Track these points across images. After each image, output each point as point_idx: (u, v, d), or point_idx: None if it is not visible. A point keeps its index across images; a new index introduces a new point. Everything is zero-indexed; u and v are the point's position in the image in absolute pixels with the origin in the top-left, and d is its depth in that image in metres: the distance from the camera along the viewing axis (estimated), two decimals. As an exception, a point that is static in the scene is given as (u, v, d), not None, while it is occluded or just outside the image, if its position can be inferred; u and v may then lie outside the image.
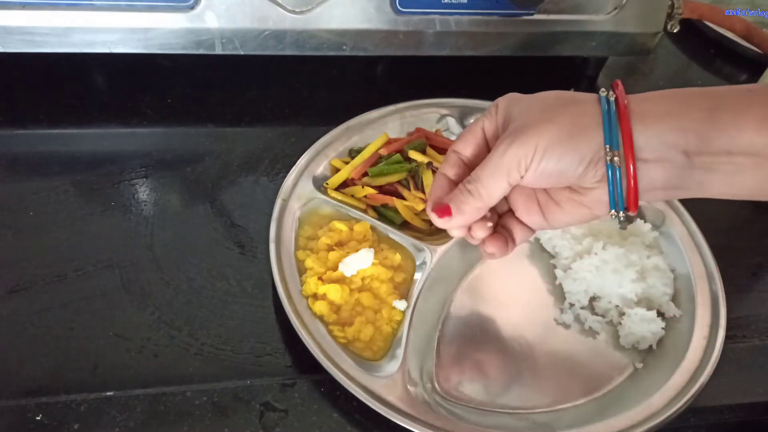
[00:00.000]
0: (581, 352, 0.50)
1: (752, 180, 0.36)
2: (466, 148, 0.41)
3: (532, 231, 0.42)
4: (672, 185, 0.36)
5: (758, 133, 0.33)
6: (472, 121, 0.64)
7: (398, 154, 0.57)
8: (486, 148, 0.40)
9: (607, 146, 0.34)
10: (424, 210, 0.54)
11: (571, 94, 0.38)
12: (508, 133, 0.37)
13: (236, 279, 0.51)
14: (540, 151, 0.35)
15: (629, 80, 0.76)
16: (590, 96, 0.37)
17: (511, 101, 0.39)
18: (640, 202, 0.37)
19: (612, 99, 0.35)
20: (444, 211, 0.38)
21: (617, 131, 0.34)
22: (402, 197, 0.55)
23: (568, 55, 0.68)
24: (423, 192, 0.54)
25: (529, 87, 0.66)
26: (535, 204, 0.40)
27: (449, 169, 0.41)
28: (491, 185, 0.37)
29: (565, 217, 0.40)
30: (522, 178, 0.36)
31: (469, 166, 0.40)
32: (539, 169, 0.36)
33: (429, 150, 0.58)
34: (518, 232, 0.42)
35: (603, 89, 0.36)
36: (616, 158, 0.34)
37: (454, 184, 0.40)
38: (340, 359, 0.44)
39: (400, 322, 0.48)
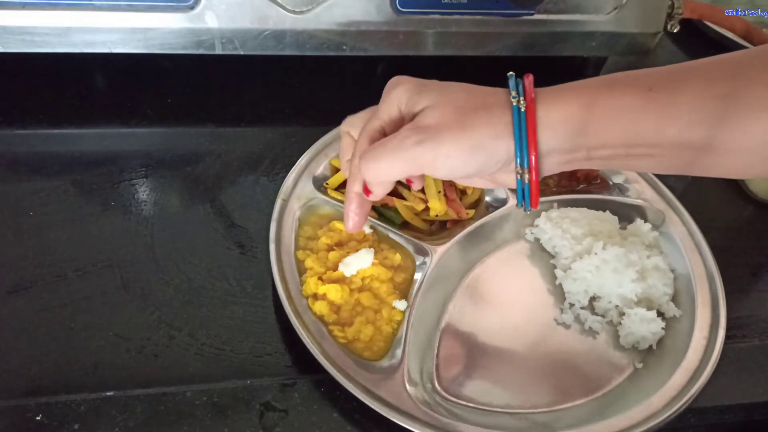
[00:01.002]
0: (581, 352, 0.50)
1: (653, 168, 0.38)
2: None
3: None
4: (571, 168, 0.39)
5: (655, 126, 0.34)
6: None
7: None
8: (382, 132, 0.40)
9: (518, 165, 0.36)
10: (424, 210, 0.54)
11: (481, 94, 0.37)
12: (417, 126, 0.36)
13: (236, 279, 0.51)
14: (456, 157, 0.36)
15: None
16: (500, 99, 0.37)
17: (413, 91, 0.38)
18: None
19: (523, 110, 0.35)
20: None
21: (526, 150, 0.36)
22: (402, 197, 0.55)
23: (568, 55, 0.68)
24: (423, 192, 0.54)
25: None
26: None
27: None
28: (388, 169, 0.38)
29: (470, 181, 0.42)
30: (429, 173, 0.37)
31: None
32: (453, 172, 0.37)
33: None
34: None
35: (514, 94, 0.36)
36: (526, 175, 0.37)
37: None
38: (340, 359, 0.44)
39: (400, 322, 0.48)
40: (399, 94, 0.39)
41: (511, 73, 0.38)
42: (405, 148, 0.36)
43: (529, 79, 0.37)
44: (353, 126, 0.43)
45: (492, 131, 0.36)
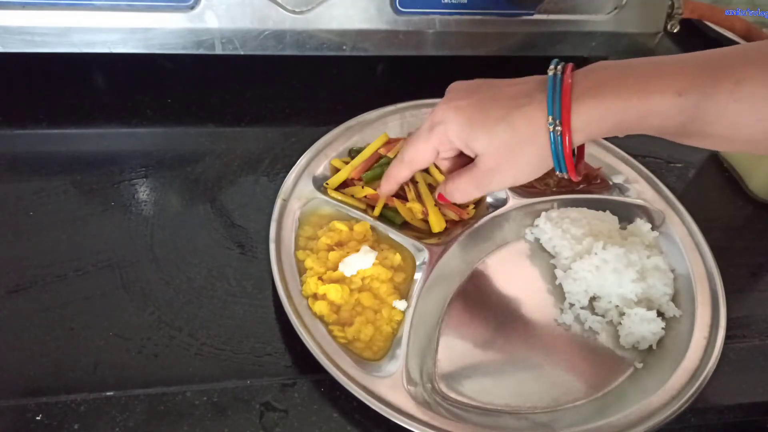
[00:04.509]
0: (581, 352, 0.50)
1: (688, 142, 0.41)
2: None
3: None
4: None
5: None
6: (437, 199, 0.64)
7: (388, 156, 0.57)
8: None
9: (558, 173, 0.43)
10: (425, 213, 0.54)
11: (524, 125, 0.42)
12: (483, 170, 0.44)
13: (236, 279, 0.51)
14: (518, 182, 0.46)
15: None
16: (540, 125, 0.41)
17: (468, 135, 0.44)
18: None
19: (559, 135, 0.41)
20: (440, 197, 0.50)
21: (565, 168, 0.42)
22: (402, 197, 0.55)
23: (568, 55, 0.68)
24: (418, 199, 0.54)
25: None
26: None
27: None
28: (470, 197, 0.49)
29: None
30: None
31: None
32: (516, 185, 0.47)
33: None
34: None
35: (550, 120, 0.41)
36: (564, 174, 0.44)
37: None
38: (340, 359, 0.44)
39: (400, 322, 0.48)
40: (452, 135, 0.45)
41: (553, 68, 0.42)
42: (481, 186, 0.46)
43: (566, 84, 0.41)
44: (414, 163, 0.49)
45: (540, 157, 0.43)
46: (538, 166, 0.44)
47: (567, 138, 0.41)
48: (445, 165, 0.49)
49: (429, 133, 0.46)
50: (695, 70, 0.38)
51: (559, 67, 0.42)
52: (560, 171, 0.43)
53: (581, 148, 0.46)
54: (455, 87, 0.47)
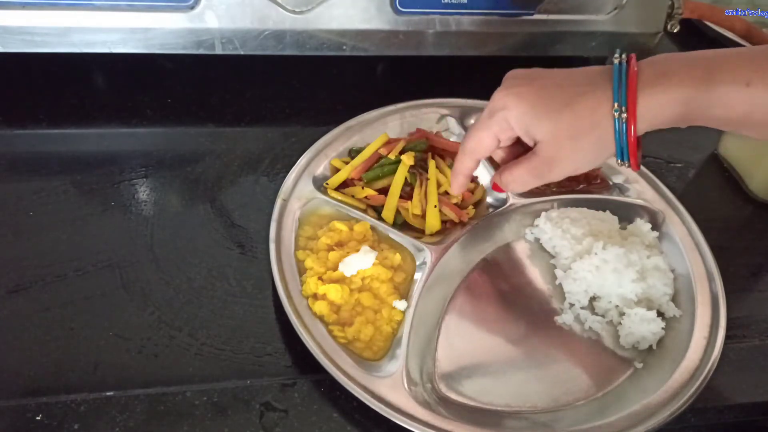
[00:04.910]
0: (581, 352, 0.50)
1: (754, 134, 0.42)
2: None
3: None
4: None
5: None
6: (472, 121, 0.64)
7: (388, 156, 0.57)
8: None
9: (619, 160, 0.43)
10: (423, 211, 0.54)
11: (588, 113, 0.42)
12: (543, 158, 0.44)
13: (236, 279, 0.51)
14: (576, 171, 0.45)
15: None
16: (605, 112, 0.41)
17: (529, 122, 0.43)
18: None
19: (624, 122, 0.41)
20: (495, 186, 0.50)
21: (627, 158, 0.42)
22: (403, 197, 0.55)
23: (568, 55, 0.68)
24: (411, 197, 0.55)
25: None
26: None
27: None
28: (527, 186, 0.47)
29: None
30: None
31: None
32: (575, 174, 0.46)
33: (431, 161, 0.58)
34: None
35: (616, 107, 0.41)
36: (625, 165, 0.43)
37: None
38: (340, 359, 0.44)
39: (400, 322, 0.48)
40: (513, 121, 0.44)
41: (617, 56, 0.42)
42: (540, 175, 0.45)
43: (632, 72, 0.41)
44: (476, 153, 0.48)
45: (603, 145, 0.42)
46: (599, 154, 0.43)
47: (632, 125, 0.41)
48: (499, 155, 0.49)
49: (489, 121, 0.45)
50: (764, 61, 0.39)
51: (623, 56, 0.42)
52: (622, 159, 0.42)
53: (640, 138, 0.45)
54: (513, 74, 0.46)
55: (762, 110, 0.39)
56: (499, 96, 0.45)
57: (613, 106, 0.41)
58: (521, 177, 0.46)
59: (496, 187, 0.49)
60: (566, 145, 0.43)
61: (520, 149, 0.47)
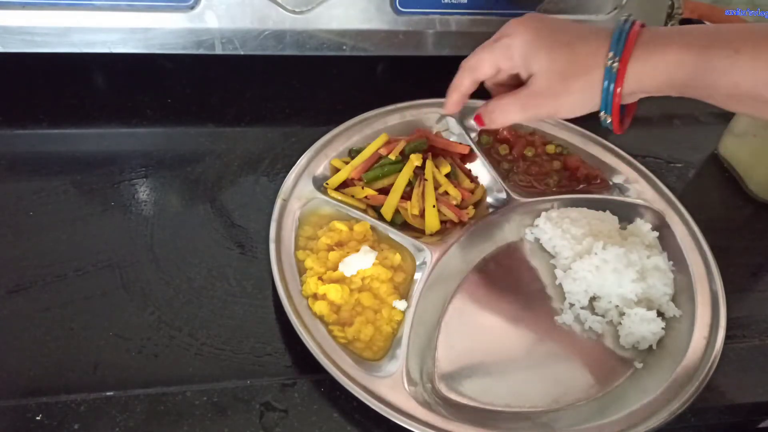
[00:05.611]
0: (581, 352, 0.50)
1: (742, 109, 0.45)
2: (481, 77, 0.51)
3: None
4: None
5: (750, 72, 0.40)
6: (473, 121, 0.64)
7: (389, 156, 0.57)
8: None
9: (602, 112, 0.46)
10: (421, 211, 0.54)
11: (584, 56, 0.45)
12: (532, 93, 0.46)
13: (236, 279, 0.51)
14: (561, 114, 0.47)
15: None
16: (598, 62, 0.44)
17: (529, 51, 0.46)
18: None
19: (614, 72, 0.43)
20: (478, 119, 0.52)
21: (610, 110, 0.45)
22: (403, 197, 0.55)
23: (568, 55, 0.68)
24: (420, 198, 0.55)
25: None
26: None
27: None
28: (512, 120, 0.50)
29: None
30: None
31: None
32: (558, 117, 0.53)
33: (429, 162, 0.58)
34: None
35: (611, 55, 0.43)
36: (608, 119, 0.46)
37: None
38: (340, 359, 0.44)
39: (400, 322, 0.48)
40: (515, 49, 0.47)
41: (625, 18, 0.45)
42: (525, 108, 0.47)
43: (634, 30, 0.43)
44: (475, 71, 0.50)
45: (590, 92, 0.45)
46: (584, 102, 0.45)
47: (622, 77, 0.43)
48: (493, 90, 0.51)
49: (494, 44, 0.48)
50: (757, 35, 0.40)
51: (630, 17, 0.44)
52: (605, 112, 0.45)
53: (631, 106, 0.47)
54: (531, 14, 0.49)
55: (748, 80, 0.40)
56: (510, 24, 0.48)
57: (608, 54, 0.43)
58: (506, 106, 0.48)
59: (478, 119, 0.51)
60: (557, 83, 0.45)
61: (512, 89, 0.49)
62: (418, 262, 0.52)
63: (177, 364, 0.45)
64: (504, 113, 0.49)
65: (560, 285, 0.54)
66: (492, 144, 0.62)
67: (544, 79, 0.45)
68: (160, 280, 0.50)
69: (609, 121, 0.45)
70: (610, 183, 0.61)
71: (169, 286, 0.50)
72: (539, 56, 0.45)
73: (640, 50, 0.42)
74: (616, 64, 0.43)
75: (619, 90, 0.43)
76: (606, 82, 0.43)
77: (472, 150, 0.60)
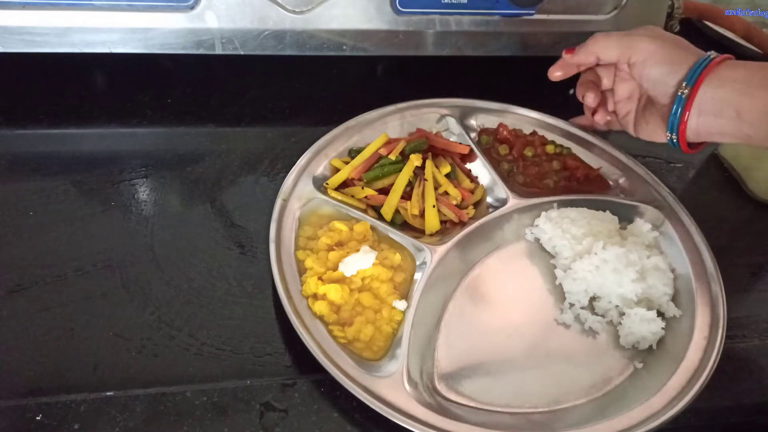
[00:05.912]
0: (581, 352, 0.50)
1: None
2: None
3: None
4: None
5: None
6: (473, 121, 0.64)
7: (389, 156, 0.57)
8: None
9: (670, 133, 0.53)
10: (421, 211, 0.54)
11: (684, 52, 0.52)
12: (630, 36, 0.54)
13: (236, 279, 0.51)
14: (651, 65, 0.53)
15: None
16: (685, 67, 0.51)
17: (650, 70, 0.53)
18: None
19: (684, 98, 0.50)
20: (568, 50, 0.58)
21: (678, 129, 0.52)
22: (404, 197, 0.55)
23: (568, 55, 0.68)
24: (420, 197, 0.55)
25: (529, 87, 0.66)
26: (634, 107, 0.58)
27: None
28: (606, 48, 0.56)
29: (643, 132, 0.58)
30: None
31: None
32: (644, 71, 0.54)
33: (429, 162, 0.58)
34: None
35: (684, 86, 0.50)
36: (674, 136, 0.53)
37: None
38: (340, 359, 0.44)
39: (400, 322, 0.48)
40: (641, 48, 0.53)
41: (711, 55, 0.50)
42: (622, 44, 0.54)
43: (710, 66, 0.49)
44: (596, 53, 0.57)
45: (679, 66, 0.51)
46: (672, 76, 0.51)
47: (690, 103, 0.49)
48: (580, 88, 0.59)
49: (626, 38, 0.54)
50: None
51: (718, 54, 0.50)
52: (671, 132, 0.52)
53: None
54: (653, 28, 0.55)
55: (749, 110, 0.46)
56: (643, 37, 0.53)
57: (682, 84, 0.50)
58: (609, 41, 0.55)
59: (570, 51, 0.58)
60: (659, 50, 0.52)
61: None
62: (418, 262, 0.52)
63: (177, 364, 0.45)
64: (605, 46, 0.55)
65: (560, 285, 0.54)
66: (492, 144, 0.62)
67: (648, 45, 0.52)
68: (160, 280, 0.50)
69: (676, 139, 0.52)
70: (610, 183, 0.61)
71: (169, 286, 0.50)
72: (640, 46, 0.52)
73: (708, 83, 0.48)
74: (686, 92, 0.49)
75: (685, 118, 0.50)
76: (675, 107, 0.50)
77: (472, 150, 0.60)
